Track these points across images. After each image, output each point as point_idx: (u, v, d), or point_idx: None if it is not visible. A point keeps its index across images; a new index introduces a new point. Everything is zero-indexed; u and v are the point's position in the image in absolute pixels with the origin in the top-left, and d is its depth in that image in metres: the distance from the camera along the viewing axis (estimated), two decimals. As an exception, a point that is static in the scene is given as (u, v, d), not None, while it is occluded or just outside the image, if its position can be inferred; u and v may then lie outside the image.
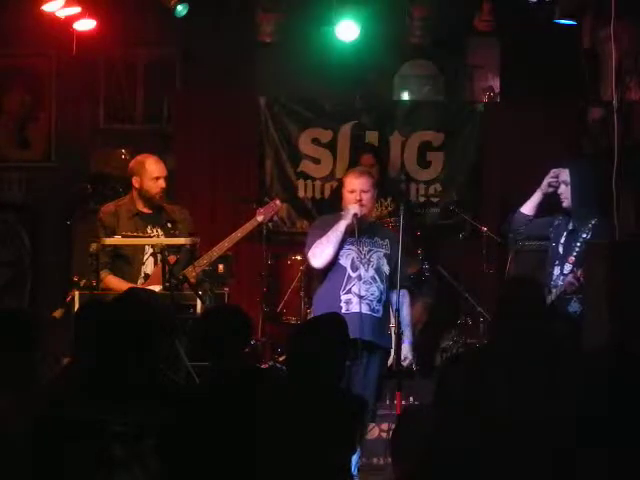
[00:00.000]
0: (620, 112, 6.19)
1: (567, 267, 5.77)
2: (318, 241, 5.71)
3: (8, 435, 3.46)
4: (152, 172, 6.07)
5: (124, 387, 3.48)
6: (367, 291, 5.65)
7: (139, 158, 6.25)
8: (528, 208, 6.10)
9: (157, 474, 3.45)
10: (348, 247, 5.69)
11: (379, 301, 5.68)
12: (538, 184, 6.30)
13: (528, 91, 8.51)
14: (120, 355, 3.57)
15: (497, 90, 8.81)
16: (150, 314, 3.77)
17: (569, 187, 5.89)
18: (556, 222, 6.00)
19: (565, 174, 5.96)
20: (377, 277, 5.69)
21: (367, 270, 5.68)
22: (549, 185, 6.01)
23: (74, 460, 3.38)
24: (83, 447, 3.38)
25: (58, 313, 5.61)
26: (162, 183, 6.09)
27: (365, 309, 5.62)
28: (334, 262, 5.70)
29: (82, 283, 5.68)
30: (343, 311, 5.50)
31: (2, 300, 8.28)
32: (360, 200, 5.69)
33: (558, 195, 5.98)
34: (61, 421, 3.42)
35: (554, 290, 5.75)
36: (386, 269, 5.73)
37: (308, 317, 6.79)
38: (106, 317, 3.68)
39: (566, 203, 5.93)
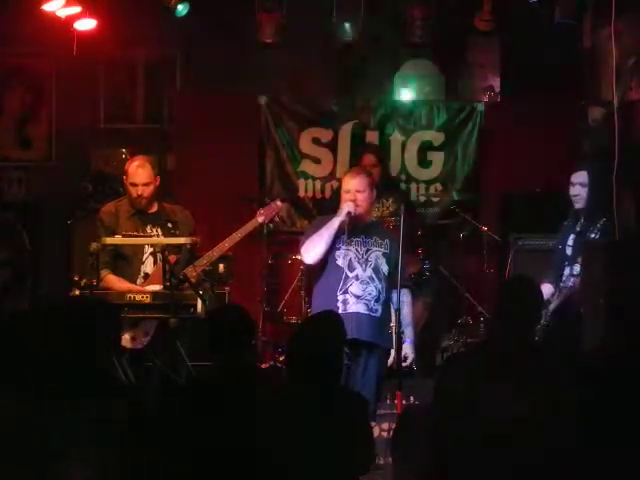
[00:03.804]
0: (620, 112, 6.18)
1: (577, 268, 5.73)
2: (311, 238, 5.73)
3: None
4: (130, 177, 6.06)
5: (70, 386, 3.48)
6: (364, 291, 5.65)
7: (130, 159, 6.28)
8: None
9: (95, 465, 3.43)
10: (345, 247, 5.69)
11: (377, 301, 5.68)
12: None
13: (528, 91, 8.51)
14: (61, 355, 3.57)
15: (497, 90, 8.82)
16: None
17: (586, 189, 5.82)
18: (562, 225, 5.98)
19: (581, 176, 5.87)
20: (375, 277, 5.69)
21: (364, 270, 5.68)
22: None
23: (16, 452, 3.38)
24: (24, 439, 3.38)
25: (58, 313, 5.60)
26: (140, 190, 6.02)
27: (362, 309, 5.62)
28: (331, 262, 5.70)
29: (82, 283, 5.68)
30: (340, 311, 5.49)
31: (2, 300, 8.27)
32: (355, 200, 5.70)
33: (571, 197, 5.90)
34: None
35: (564, 291, 5.74)
36: (384, 268, 5.73)
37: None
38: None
39: (580, 204, 5.85)
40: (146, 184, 6.03)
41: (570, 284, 5.72)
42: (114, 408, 3.46)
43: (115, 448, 3.40)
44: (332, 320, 4.08)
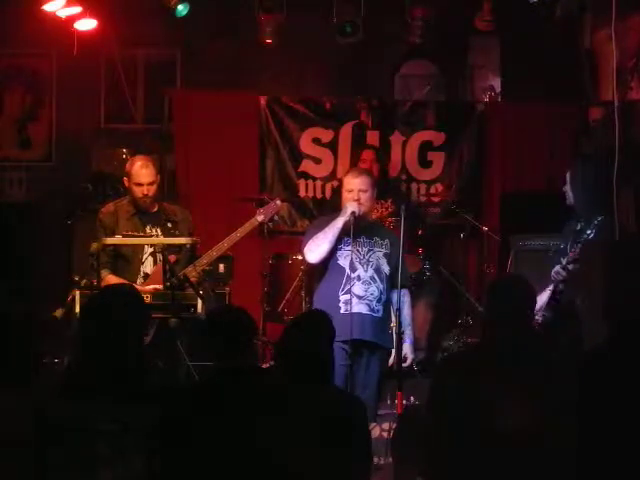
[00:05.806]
0: (620, 112, 6.18)
1: (564, 261, 5.73)
2: (315, 236, 5.72)
3: (7, 435, 3.47)
4: (134, 177, 6.06)
5: (108, 386, 3.50)
6: (366, 291, 5.64)
7: (131, 159, 6.28)
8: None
9: (141, 472, 3.46)
10: (347, 248, 5.68)
11: (379, 301, 5.67)
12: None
13: (528, 91, 8.53)
14: (103, 353, 3.59)
15: (497, 90, 8.83)
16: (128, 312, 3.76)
17: (569, 186, 5.87)
18: (565, 225, 5.99)
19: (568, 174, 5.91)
20: (376, 277, 5.69)
21: (366, 270, 5.68)
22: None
23: (59, 458, 3.39)
24: (68, 445, 3.39)
25: (58, 313, 5.61)
26: (145, 190, 6.02)
27: (364, 309, 5.61)
28: (333, 262, 5.69)
29: (82, 283, 5.68)
30: (342, 311, 5.50)
31: (2, 300, 8.27)
32: (358, 199, 5.69)
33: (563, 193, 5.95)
34: (46, 421, 3.44)
35: (551, 285, 5.72)
36: (386, 269, 5.73)
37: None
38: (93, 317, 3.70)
39: (568, 201, 5.90)
40: (151, 183, 6.05)
41: (553, 274, 5.68)
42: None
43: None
44: (317, 319, 4.07)
